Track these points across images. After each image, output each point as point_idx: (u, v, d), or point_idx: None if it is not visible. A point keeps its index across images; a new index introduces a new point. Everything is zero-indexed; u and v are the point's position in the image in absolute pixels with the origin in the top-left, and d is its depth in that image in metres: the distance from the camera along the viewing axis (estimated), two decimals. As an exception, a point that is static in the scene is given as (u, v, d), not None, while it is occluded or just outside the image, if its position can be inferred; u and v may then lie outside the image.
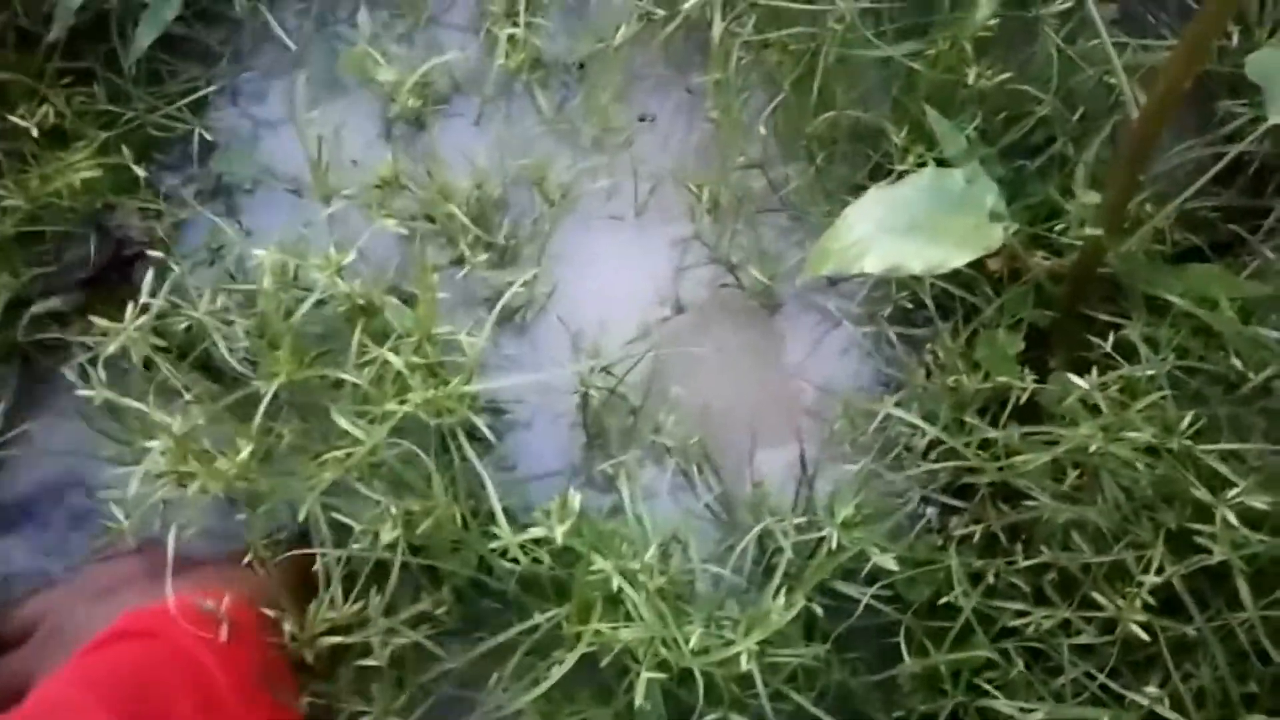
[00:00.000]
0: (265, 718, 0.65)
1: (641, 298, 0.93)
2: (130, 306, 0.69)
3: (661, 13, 0.94)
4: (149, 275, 0.72)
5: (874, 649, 0.78)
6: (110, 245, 0.84)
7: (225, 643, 0.64)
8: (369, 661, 0.70)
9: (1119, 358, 0.74)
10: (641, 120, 0.99)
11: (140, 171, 0.85)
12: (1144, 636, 0.65)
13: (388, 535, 0.67)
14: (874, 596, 0.74)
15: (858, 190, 0.76)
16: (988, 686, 0.70)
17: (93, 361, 0.70)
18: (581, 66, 1.00)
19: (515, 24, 0.94)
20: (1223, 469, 0.66)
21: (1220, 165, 0.73)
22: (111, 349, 0.67)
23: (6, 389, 0.83)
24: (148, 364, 0.69)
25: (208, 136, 0.94)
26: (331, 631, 0.71)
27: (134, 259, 0.85)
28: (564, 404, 0.89)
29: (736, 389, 0.91)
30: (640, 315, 0.92)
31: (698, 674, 0.63)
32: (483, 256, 0.90)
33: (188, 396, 0.68)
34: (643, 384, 0.89)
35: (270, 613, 0.69)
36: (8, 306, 0.80)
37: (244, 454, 0.66)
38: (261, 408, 0.67)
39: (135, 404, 0.67)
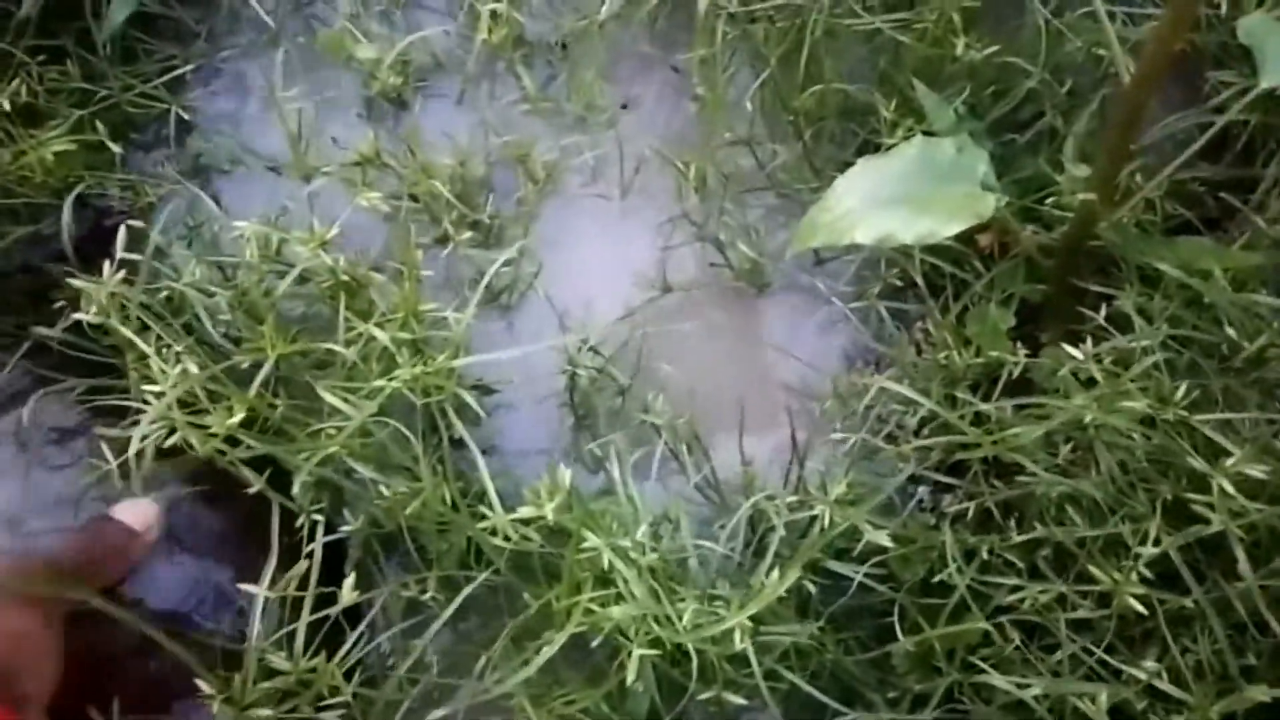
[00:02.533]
0: None
1: (628, 277, 0.92)
2: (108, 265, 0.67)
3: (646, -12, 0.93)
4: (125, 237, 0.70)
5: (868, 628, 0.77)
6: (90, 216, 0.82)
7: None
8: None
9: (1112, 330, 0.73)
10: (624, 108, 0.97)
11: (116, 149, 0.83)
12: (1141, 610, 0.64)
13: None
14: (867, 575, 0.73)
15: (846, 167, 0.75)
16: (982, 664, 0.69)
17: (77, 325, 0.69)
18: (564, 45, 0.99)
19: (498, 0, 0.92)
20: (1218, 438, 0.65)
21: (1210, 134, 0.72)
22: (94, 307, 0.65)
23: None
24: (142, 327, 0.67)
25: (185, 116, 0.92)
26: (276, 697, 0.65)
27: (114, 230, 0.83)
28: (551, 385, 0.87)
29: (725, 368, 0.90)
30: (627, 295, 0.91)
31: (692, 650, 0.62)
32: (467, 235, 0.88)
33: (178, 350, 0.66)
34: (630, 364, 0.87)
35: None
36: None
37: (235, 418, 0.64)
38: (258, 378, 0.65)
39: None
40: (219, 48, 0.97)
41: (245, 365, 0.69)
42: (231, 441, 0.67)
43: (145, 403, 0.64)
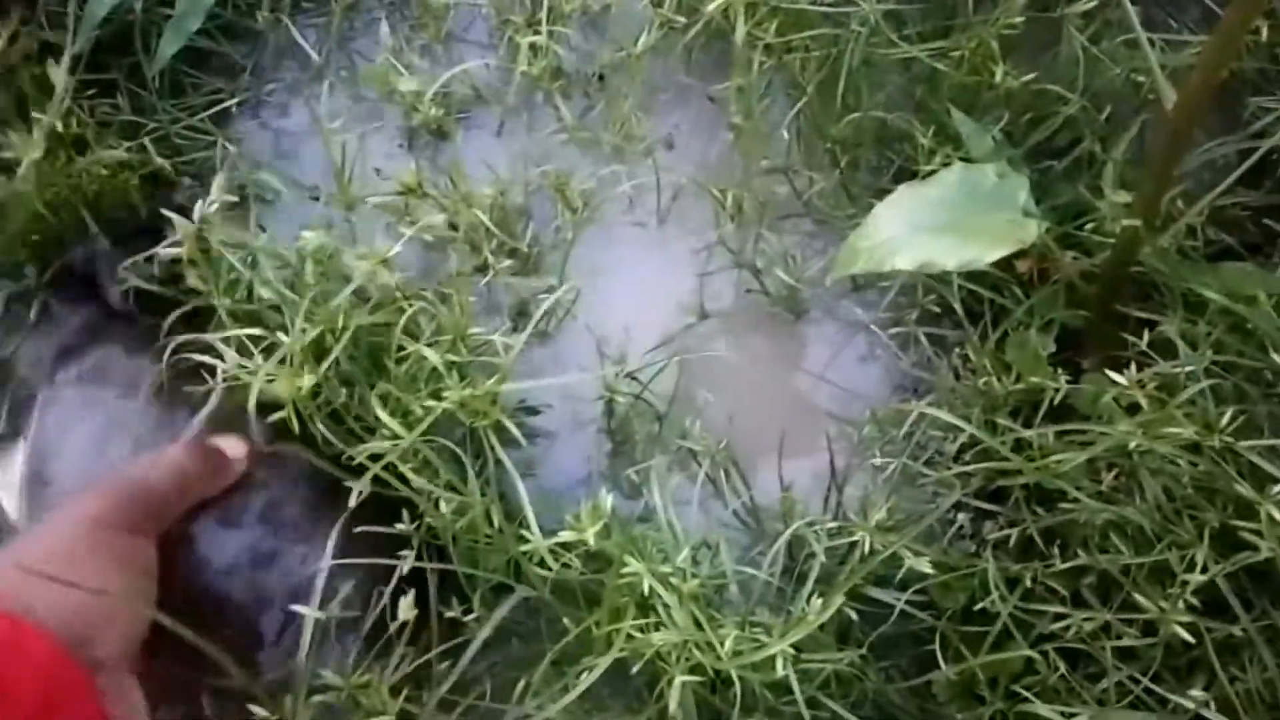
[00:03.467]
0: None
1: (666, 304, 0.93)
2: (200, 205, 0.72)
3: (682, 20, 0.94)
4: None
5: (909, 656, 0.76)
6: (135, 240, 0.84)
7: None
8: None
9: (1155, 356, 0.73)
10: (670, 148, 0.98)
11: (164, 163, 0.85)
12: (1188, 638, 0.63)
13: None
14: (908, 602, 0.72)
15: (883, 194, 0.75)
16: (1026, 693, 0.68)
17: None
18: (601, 78, 1.00)
19: (536, 32, 0.94)
20: (1265, 465, 0.64)
21: (1253, 159, 0.72)
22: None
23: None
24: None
25: (231, 148, 0.94)
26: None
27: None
28: (589, 411, 0.88)
29: (762, 395, 0.90)
30: (665, 322, 0.92)
31: (735, 677, 0.62)
32: (506, 263, 0.89)
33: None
34: (668, 390, 0.88)
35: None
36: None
37: (308, 381, 0.66)
38: (332, 354, 0.67)
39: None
40: (264, 82, 0.99)
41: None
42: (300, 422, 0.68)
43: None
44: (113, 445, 0.72)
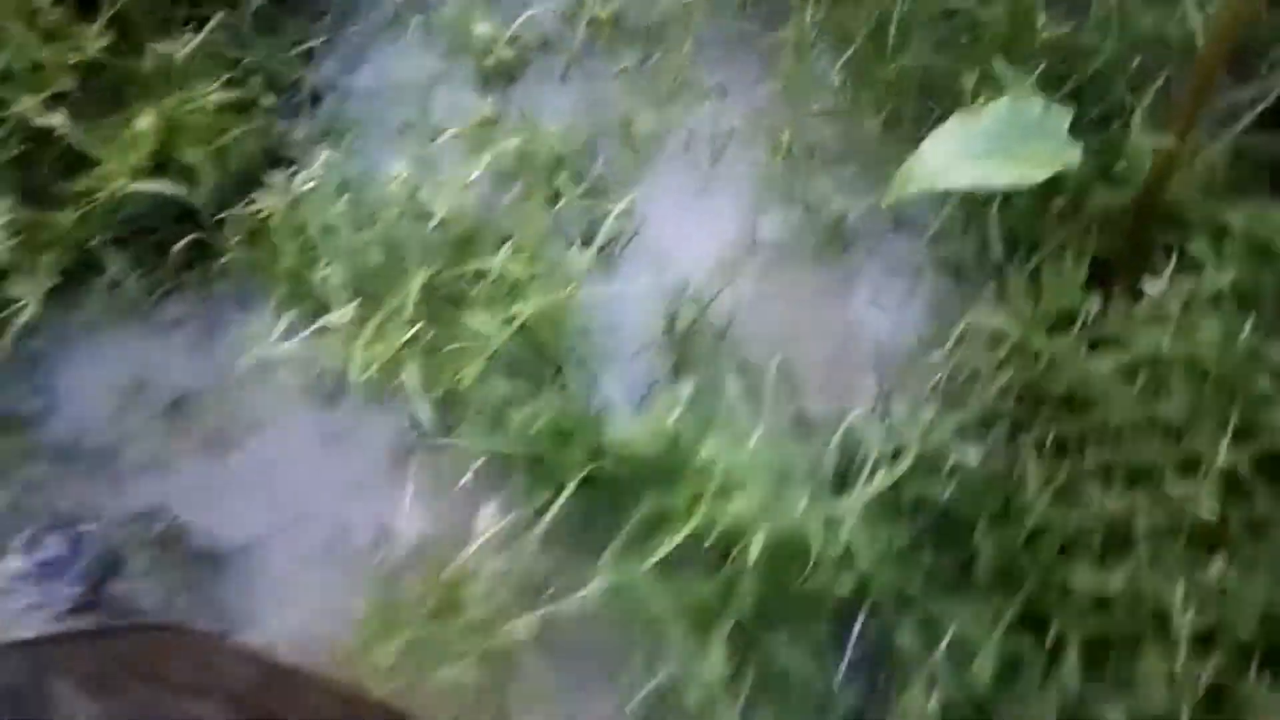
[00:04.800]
0: None
1: (720, 238, 0.99)
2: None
3: (739, -29, 1.01)
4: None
5: (951, 552, 0.83)
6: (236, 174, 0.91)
7: None
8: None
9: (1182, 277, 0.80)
10: (724, 96, 1.05)
11: (265, 101, 0.91)
12: (1211, 518, 0.70)
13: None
14: (951, 498, 0.79)
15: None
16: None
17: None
18: (660, 26, 1.07)
19: (605, -20, 1.01)
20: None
21: (1272, 97, 0.79)
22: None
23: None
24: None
25: (317, 84, 1.01)
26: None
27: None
28: (650, 333, 0.94)
29: (812, 320, 0.97)
30: (719, 253, 0.98)
31: (810, 531, 0.68)
32: (578, 190, 0.96)
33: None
34: (724, 316, 0.94)
35: None
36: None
37: (405, 335, 0.72)
38: (411, 293, 0.73)
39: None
40: (346, 25, 1.06)
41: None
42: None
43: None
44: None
